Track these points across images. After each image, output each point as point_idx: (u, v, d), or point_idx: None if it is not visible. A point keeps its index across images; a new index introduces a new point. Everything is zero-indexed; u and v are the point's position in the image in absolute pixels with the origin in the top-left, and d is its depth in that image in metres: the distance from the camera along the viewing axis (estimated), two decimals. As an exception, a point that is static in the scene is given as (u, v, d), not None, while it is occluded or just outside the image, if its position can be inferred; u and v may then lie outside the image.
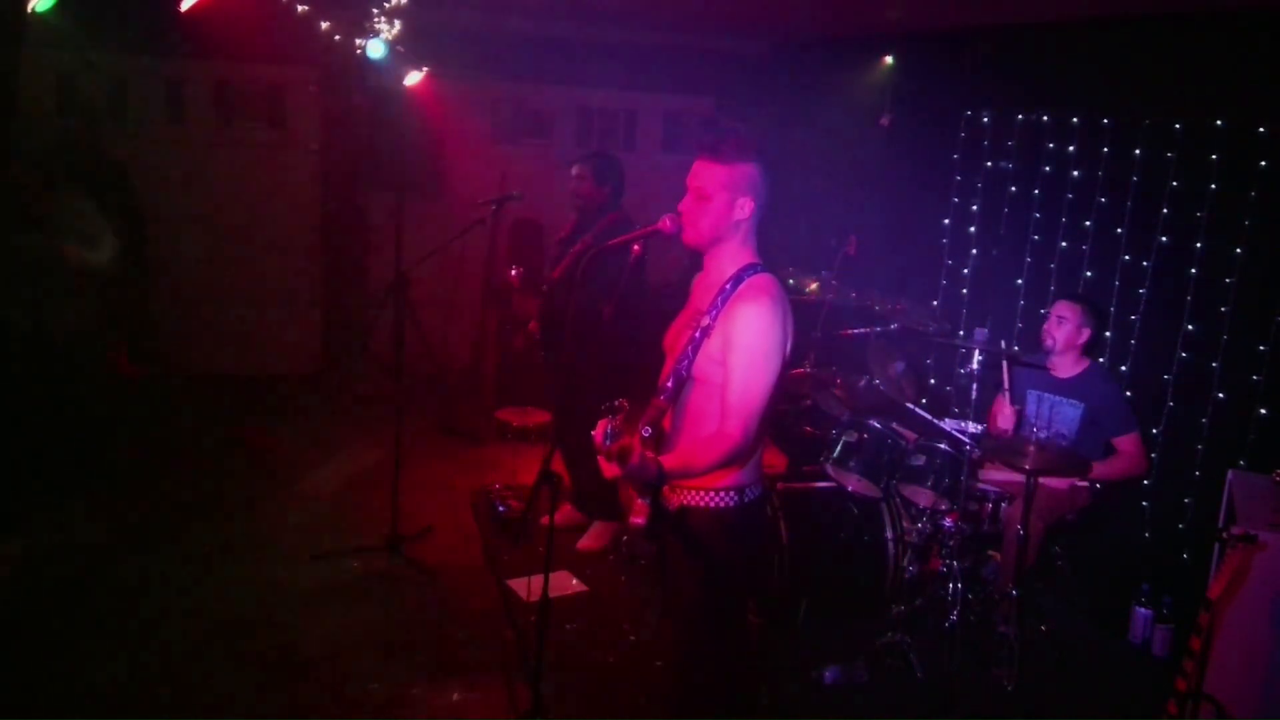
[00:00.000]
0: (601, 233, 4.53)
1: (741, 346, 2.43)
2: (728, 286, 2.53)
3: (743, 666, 2.80)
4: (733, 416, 2.42)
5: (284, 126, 7.16)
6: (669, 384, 2.57)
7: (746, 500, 2.57)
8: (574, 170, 4.71)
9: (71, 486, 4.94)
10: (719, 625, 2.66)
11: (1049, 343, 4.19)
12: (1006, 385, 4.18)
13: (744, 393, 2.42)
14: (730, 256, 2.57)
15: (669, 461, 2.41)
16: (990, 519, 4.10)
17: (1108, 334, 4.84)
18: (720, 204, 2.52)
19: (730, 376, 2.44)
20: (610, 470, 2.31)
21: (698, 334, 2.53)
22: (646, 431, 2.48)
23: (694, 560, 2.61)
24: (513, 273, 5.08)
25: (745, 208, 2.53)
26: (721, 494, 2.54)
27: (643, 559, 4.57)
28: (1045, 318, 4.27)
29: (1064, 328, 4.15)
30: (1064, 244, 5.15)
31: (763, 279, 2.52)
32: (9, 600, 4.05)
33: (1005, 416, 4.20)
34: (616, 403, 2.27)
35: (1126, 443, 4.07)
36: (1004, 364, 4.18)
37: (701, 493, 2.55)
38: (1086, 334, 4.16)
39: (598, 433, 2.24)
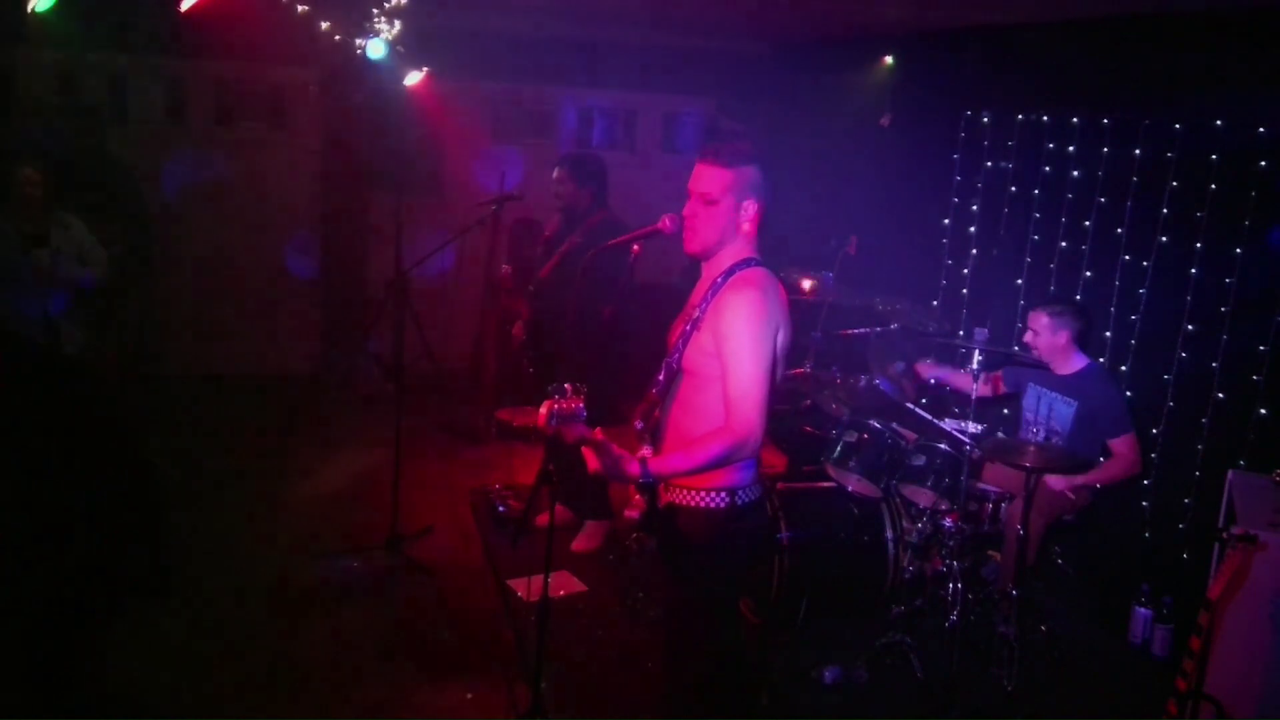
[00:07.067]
0: (589, 233, 4.51)
1: (730, 339, 2.43)
2: (719, 280, 2.53)
3: (737, 666, 2.79)
4: (736, 410, 2.41)
5: (284, 126, 7.16)
6: (661, 377, 2.57)
7: (739, 503, 2.54)
8: (555, 173, 4.72)
9: (70, 487, 4.93)
10: (710, 625, 2.65)
11: (1034, 354, 4.18)
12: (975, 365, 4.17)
13: (741, 384, 2.41)
14: (728, 254, 2.57)
15: (658, 462, 2.40)
16: (990, 519, 4.10)
17: (1107, 334, 4.84)
18: (727, 207, 2.52)
19: (726, 371, 2.43)
20: (591, 464, 2.30)
21: (689, 327, 2.54)
22: (639, 424, 2.48)
23: (684, 559, 2.60)
24: (504, 269, 5.08)
25: (750, 209, 2.54)
26: (712, 494, 2.52)
27: (647, 555, 4.57)
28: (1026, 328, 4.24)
29: (1040, 339, 4.15)
30: (1064, 244, 5.14)
31: (754, 272, 2.52)
32: (9, 600, 4.04)
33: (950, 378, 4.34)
34: (565, 385, 2.24)
35: (1121, 444, 4.07)
36: (975, 353, 4.15)
37: (691, 492, 2.53)
38: (1064, 335, 4.14)
39: (541, 412, 2.22)
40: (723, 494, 2.52)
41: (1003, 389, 4.51)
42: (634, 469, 2.36)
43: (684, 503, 2.55)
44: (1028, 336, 4.19)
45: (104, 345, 5.44)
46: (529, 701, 2.99)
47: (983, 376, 4.10)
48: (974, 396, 3.99)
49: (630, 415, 2.61)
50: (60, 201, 4.80)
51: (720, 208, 2.52)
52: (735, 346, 2.42)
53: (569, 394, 2.23)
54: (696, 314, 2.53)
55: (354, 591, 4.33)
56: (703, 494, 2.52)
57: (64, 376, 4.50)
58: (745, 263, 2.54)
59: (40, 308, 4.61)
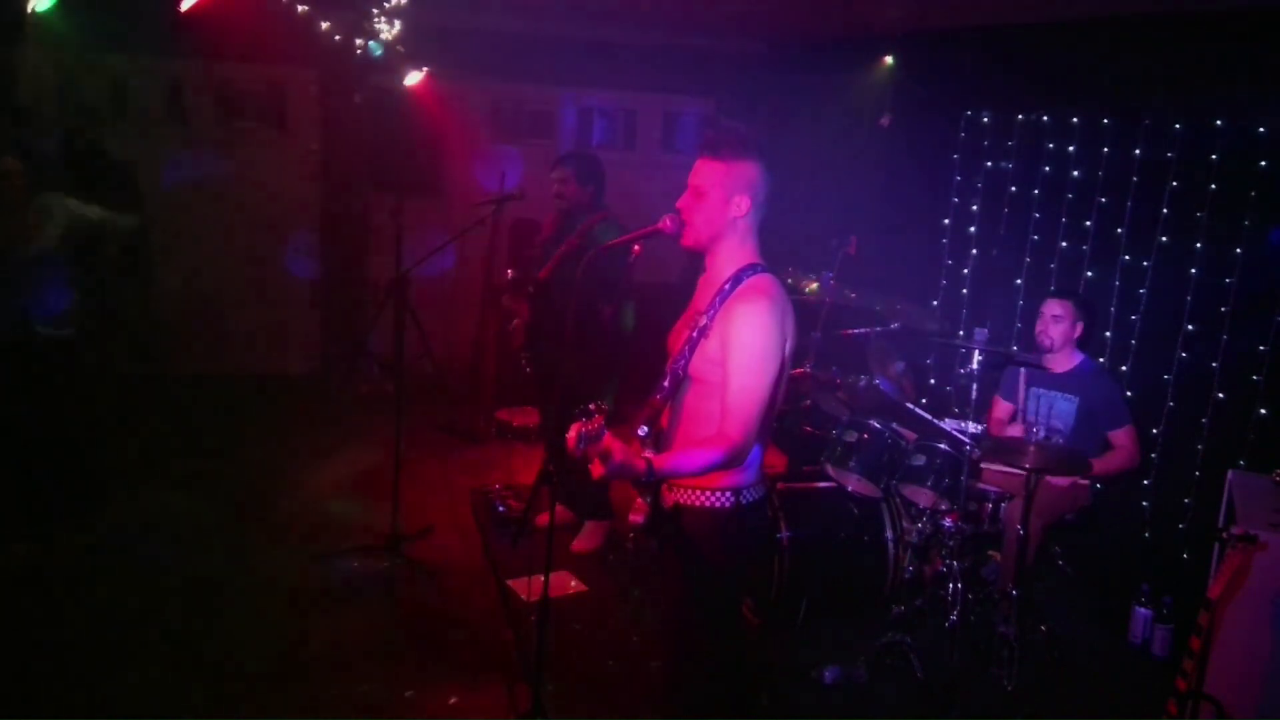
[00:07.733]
0: (589, 233, 4.51)
1: (738, 348, 2.42)
2: (726, 286, 2.52)
3: (738, 666, 2.79)
4: (731, 419, 2.41)
5: (284, 126, 7.16)
6: (666, 383, 2.57)
7: (744, 502, 2.55)
8: (555, 173, 4.70)
9: (73, 487, 4.94)
10: (711, 625, 2.65)
11: (1046, 342, 4.18)
12: (1022, 391, 4.22)
13: (741, 395, 2.41)
14: (729, 256, 2.56)
15: (660, 460, 2.40)
16: (990, 519, 4.10)
17: (1107, 334, 4.84)
18: (716, 200, 2.52)
19: (728, 379, 2.43)
20: (596, 470, 2.30)
21: (695, 333, 2.53)
22: (643, 430, 2.48)
23: (687, 559, 2.60)
24: (509, 273, 5.09)
25: (741, 205, 2.52)
26: (717, 494, 2.53)
27: (648, 556, 4.57)
28: (1039, 317, 4.26)
29: (1060, 325, 4.16)
30: (1064, 244, 5.15)
31: (762, 279, 2.51)
32: (12, 599, 4.05)
33: (999, 421, 4.25)
34: (591, 406, 2.24)
35: (1121, 436, 4.08)
36: (1021, 371, 4.20)
37: (697, 492, 2.54)
38: (1080, 328, 4.18)
39: (570, 436, 2.22)
40: (728, 494, 2.53)
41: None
42: (640, 466, 2.36)
43: (689, 502, 2.55)
44: (1045, 323, 4.18)
45: (104, 344, 5.44)
46: (529, 701, 2.99)
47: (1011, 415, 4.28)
48: (973, 396, 4.00)
49: (630, 416, 2.60)
50: (44, 189, 4.77)
51: (709, 200, 2.52)
52: (743, 359, 2.42)
53: (593, 414, 2.23)
54: (704, 321, 2.52)
55: (354, 591, 4.33)
56: (708, 494, 2.53)
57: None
58: (752, 269, 2.53)
59: (17, 306, 4.59)
